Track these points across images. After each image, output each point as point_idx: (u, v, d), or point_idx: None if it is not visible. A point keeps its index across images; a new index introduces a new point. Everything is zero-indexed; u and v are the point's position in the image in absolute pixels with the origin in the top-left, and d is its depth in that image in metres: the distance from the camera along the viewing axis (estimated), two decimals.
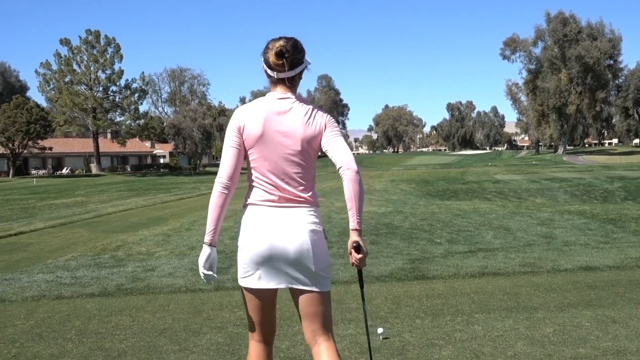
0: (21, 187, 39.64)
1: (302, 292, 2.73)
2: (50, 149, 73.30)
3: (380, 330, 4.41)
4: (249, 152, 2.77)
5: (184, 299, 5.82)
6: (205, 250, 2.75)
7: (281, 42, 2.71)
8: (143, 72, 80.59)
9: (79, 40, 70.97)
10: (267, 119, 2.72)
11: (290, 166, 2.72)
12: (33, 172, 74.30)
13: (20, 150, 69.37)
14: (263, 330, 2.84)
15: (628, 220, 11.29)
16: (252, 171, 2.80)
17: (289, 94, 2.77)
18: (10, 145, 67.67)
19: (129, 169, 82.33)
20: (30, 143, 68.20)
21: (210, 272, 2.76)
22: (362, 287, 2.98)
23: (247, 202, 2.79)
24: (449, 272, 6.76)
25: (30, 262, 8.51)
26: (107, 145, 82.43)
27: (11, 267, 8.07)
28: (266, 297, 2.78)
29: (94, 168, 76.95)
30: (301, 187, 2.75)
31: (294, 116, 2.73)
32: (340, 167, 2.68)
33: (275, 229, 2.68)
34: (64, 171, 77.11)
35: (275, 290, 2.79)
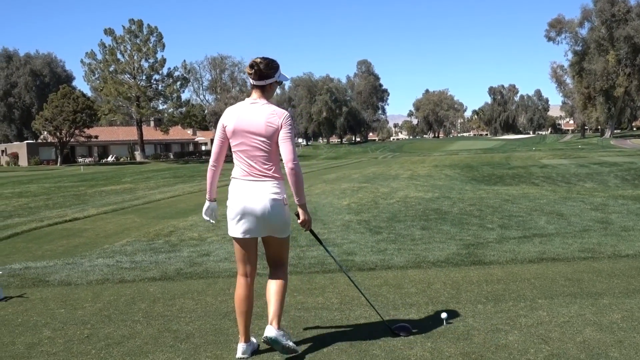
0: (70, 175, 40.71)
1: (268, 237, 3.96)
2: (96, 137, 75.02)
3: (444, 315, 4.39)
4: (230, 142, 3.92)
5: None
6: (205, 204, 4.16)
7: (256, 59, 3.88)
8: (185, 60, 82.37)
9: (122, 30, 72.21)
10: (238, 119, 3.85)
11: (257, 152, 3.82)
12: (80, 160, 76.22)
13: (67, 138, 71.20)
14: (245, 268, 4.04)
15: None
16: (234, 154, 3.94)
17: (259, 99, 3.89)
18: (58, 134, 69.54)
19: (171, 156, 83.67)
20: (76, 132, 69.94)
21: (207, 218, 4.20)
22: (320, 241, 4.35)
23: (231, 177, 3.95)
24: (505, 257, 6.68)
25: (88, 247, 8.75)
26: (151, 133, 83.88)
27: (70, 252, 8.31)
28: (247, 244, 3.97)
29: (138, 155, 78.44)
30: (266, 166, 3.84)
31: (258, 117, 3.82)
32: (284, 163, 3.83)
33: (247, 196, 3.83)
34: (110, 159, 78.92)
35: (253, 240, 3.97)
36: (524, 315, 4.55)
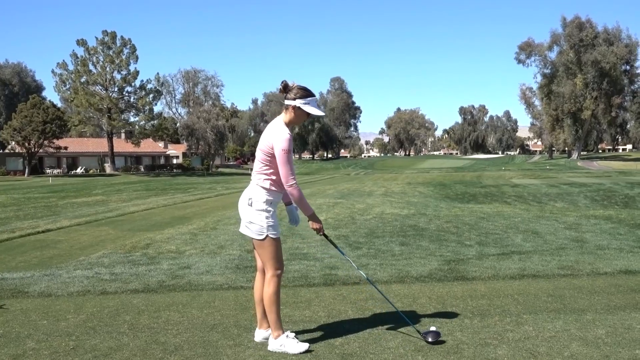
0: (39, 186, 39.95)
1: (251, 238, 4.28)
2: (66, 148, 73.84)
3: (433, 328, 4.42)
4: None
5: (228, 296, 5.86)
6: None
7: (291, 81, 4.26)
8: (158, 73, 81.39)
9: (95, 41, 71.61)
10: None
11: (257, 163, 4.23)
12: (48, 171, 74.86)
13: (36, 149, 69.93)
14: (257, 262, 4.45)
15: None
16: None
17: (278, 117, 4.29)
18: (26, 144, 68.23)
19: (142, 169, 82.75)
20: (46, 142, 68.70)
21: (289, 221, 4.65)
22: (334, 244, 4.76)
23: None
24: (487, 273, 6.75)
25: (63, 258, 8.58)
26: (121, 145, 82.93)
27: (45, 264, 8.14)
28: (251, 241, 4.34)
29: (108, 168, 77.44)
30: (259, 177, 4.22)
31: (265, 131, 4.25)
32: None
33: (241, 198, 4.31)
34: (79, 170, 77.65)
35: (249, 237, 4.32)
36: (511, 330, 4.61)
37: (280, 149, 4.05)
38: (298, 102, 4.16)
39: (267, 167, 4.18)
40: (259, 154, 4.20)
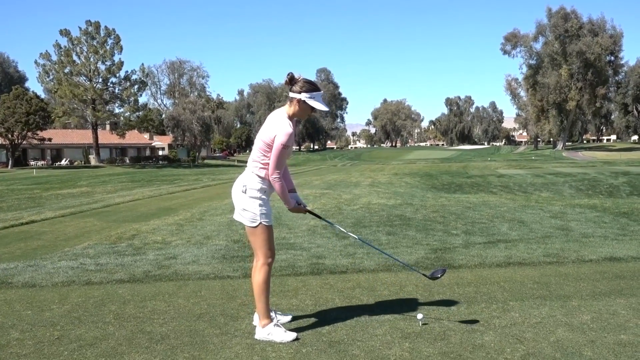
0: (22, 178, 39.58)
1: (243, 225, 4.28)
2: (50, 140, 73.14)
3: (420, 316, 4.43)
4: None
5: (214, 285, 5.83)
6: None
7: (296, 74, 4.19)
8: (143, 64, 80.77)
9: (79, 31, 70.85)
10: None
11: (256, 151, 4.20)
12: (32, 163, 74.21)
13: (19, 141, 69.23)
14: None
15: None
16: None
17: (282, 108, 4.26)
18: (9, 136, 67.53)
19: (127, 161, 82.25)
20: (29, 134, 68.00)
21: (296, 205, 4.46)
22: (319, 217, 4.90)
23: None
24: (474, 261, 6.78)
25: (47, 249, 8.50)
26: (106, 136, 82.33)
27: (29, 255, 8.06)
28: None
29: (92, 159, 76.87)
30: (255, 164, 4.19)
31: (267, 120, 4.24)
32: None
33: (235, 184, 4.28)
34: (63, 162, 77.03)
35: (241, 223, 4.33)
36: (497, 316, 4.62)
37: (279, 142, 4.03)
38: (303, 96, 4.12)
39: (265, 157, 4.15)
40: (259, 143, 4.17)
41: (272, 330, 4.15)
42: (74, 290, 5.74)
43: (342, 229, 5.16)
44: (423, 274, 4.94)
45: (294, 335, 4.15)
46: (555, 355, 3.75)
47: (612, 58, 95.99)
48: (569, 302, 4.99)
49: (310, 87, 4.16)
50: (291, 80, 4.16)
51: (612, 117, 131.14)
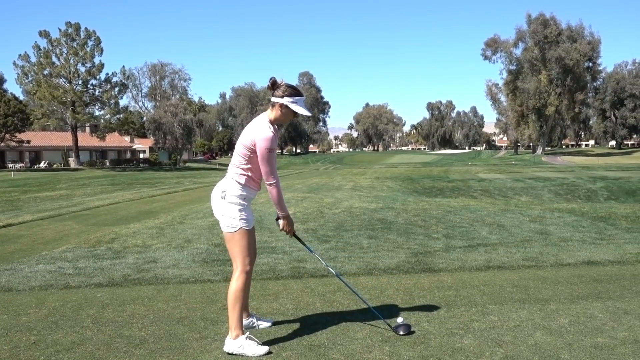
0: (0, 181, 39.02)
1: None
2: (28, 142, 72.25)
3: (400, 319, 4.44)
4: None
5: (195, 289, 5.79)
6: None
7: (279, 79, 4.18)
8: (124, 66, 79.62)
9: (58, 32, 70.02)
10: None
11: (236, 157, 4.15)
12: (10, 165, 73.17)
13: None
14: None
15: (618, 218, 11.47)
16: None
17: (263, 113, 4.25)
18: None
19: (107, 164, 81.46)
20: (7, 136, 67.06)
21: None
22: (305, 245, 4.66)
23: None
24: (454, 265, 6.82)
25: (25, 253, 8.39)
26: (86, 139, 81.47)
27: (6, 258, 7.94)
28: None
29: (72, 162, 75.98)
30: (235, 170, 4.14)
31: (248, 126, 4.18)
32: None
33: (214, 189, 4.22)
34: (42, 165, 76.03)
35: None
36: (477, 320, 4.65)
37: (263, 147, 4.00)
38: (286, 100, 4.10)
39: (245, 162, 4.11)
40: (240, 148, 4.13)
41: (244, 344, 3.98)
42: (51, 294, 5.67)
43: (321, 260, 5.08)
44: (388, 324, 4.50)
45: (266, 349, 3.98)
46: (534, 359, 3.79)
47: (591, 64, 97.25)
48: (547, 306, 5.04)
49: (293, 91, 4.14)
50: (273, 85, 4.15)
51: (591, 122, 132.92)
